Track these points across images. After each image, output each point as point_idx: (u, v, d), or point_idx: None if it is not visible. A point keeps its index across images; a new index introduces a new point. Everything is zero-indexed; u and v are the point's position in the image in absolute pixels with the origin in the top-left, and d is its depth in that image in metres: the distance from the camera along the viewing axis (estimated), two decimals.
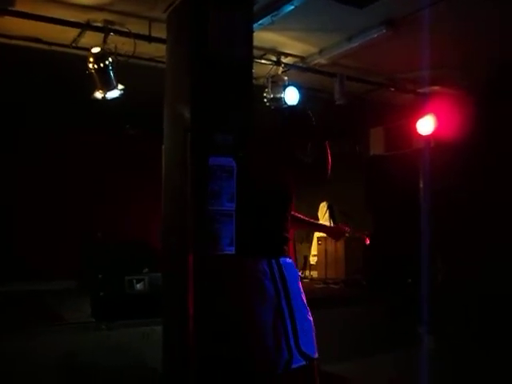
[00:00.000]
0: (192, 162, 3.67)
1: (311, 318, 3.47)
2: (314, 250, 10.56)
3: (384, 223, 8.78)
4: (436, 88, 7.70)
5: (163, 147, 4.36)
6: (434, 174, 7.59)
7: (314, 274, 10.30)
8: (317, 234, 10.55)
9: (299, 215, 3.94)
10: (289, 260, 3.56)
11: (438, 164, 7.53)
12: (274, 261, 3.48)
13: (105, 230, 8.85)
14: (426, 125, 7.67)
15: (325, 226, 4.09)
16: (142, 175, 8.90)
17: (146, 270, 6.81)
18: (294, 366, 3.29)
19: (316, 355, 3.40)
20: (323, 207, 10.54)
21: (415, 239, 7.36)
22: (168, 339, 4.19)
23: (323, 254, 9.47)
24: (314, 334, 3.44)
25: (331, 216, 10.18)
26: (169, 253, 4.16)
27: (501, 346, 5.82)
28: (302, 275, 10.16)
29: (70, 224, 8.73)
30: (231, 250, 3.63)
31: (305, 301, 3.50)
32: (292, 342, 3.33)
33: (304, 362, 3.32)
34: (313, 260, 10.53)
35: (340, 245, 8.93)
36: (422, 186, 8.10)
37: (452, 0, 5.04)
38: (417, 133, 7.84)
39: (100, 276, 6.01)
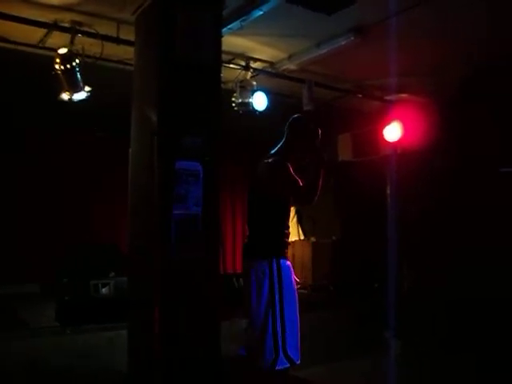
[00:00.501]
0: (159, 166, 3.67)
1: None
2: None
3: (351, 229, 8.87)
4: (403, 95, 7.79)
5: (130, 150, 4.34)
6: (401, 180, 7.68)
7: None
8: None
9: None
10: (288, 263, 3.62)
11: (404, 170, 7.62)
12: (274, 262, 3.53)
13: (72, 235, 8.74)
14: (392, 131, 7.76)
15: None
16: (110, 178, 8.81)
17: (112, 274, 6.76)
18: (279, 367, 3.38)
19: (299, 362, 3.48)
20: (291, 212, 10.58)
21: (382, 245, 7.45)
22: (133, 343, 4.16)
23: (291, 257, 9.47)
24: (299, 338, 3.52)
25: (299, 221, 10.24)
26: (135, 256, 4.14)
27: (467, 351, 5.90)
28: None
29: (37, 227, 8.57)
30: (197, 254, 3.64)
31: (297, 304, 3.57)
32: (280, 344, 3.40)
33: (288, 365, 3.41)
34: None
35: (307, 250, 8.98)
36: (389, 192, 8.19)
37: (419, 9, 5.10)
38: (384, 139, 7.92)
39: (65, 280, 5.94)
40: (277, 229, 3.70)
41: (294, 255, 9.41)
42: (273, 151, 3.78)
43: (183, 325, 3.63)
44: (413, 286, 7.57)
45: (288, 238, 3.74)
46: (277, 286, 3.49)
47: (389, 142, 7.88)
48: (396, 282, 7.09)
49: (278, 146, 3.81)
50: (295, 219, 10.38)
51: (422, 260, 7.52)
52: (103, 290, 6.02)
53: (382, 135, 7.90)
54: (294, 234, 10.46)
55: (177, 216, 3.58)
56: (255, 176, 3.75)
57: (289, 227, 3.76)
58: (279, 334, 3.42)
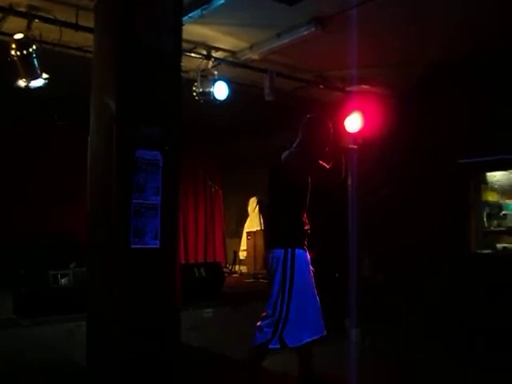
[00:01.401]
0: (117, 155, 3.62)
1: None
2: (243, 245, 10.62)
3: (312, 219, 8.92)
4: (364, 86, 7.87)
5: (89, 138, 4.28)
6: (362, 171, 7.76)
7: (244, 268, 10.37)
8: (246, 229, 10.62)
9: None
10: (304, 252, 4.03)
11: (365, 161, 7.70)
12: (289, 251, 3.95)
13: (31, 224, 8.59)
14: (353, 123, 7.82)
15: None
16: (69, 167, 8.67)
17: (73, 264, 6.67)
18: (271, 346, 3.92)
19: (291, 345, 3.94)
20: (253, 202, 10.61)
21: (343, 235, 7.53)
22: (92, 334, 4.12)
23: (252, 248, 9.54)
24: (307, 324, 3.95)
25: (261, 211, 10.26)
26: (94, 247, 4.09)
27: (425, 338, 6.03)
28: (232, 270, 10.20)
29: None
30: (156, 244, 3.61)
31: (311, 291, 4.01)
32: (279, 329, 3.88)
33: (278, 347, 3.91)
34: (242, 255, 10.59)
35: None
36: (349, 182, 8.27)
37: (380, 1, 5.15)
38: (345, 130, 7.98)
39: (22, 271, 5.82)
40: (293, 219, 4.13)
41: (254, 245, 9.45)
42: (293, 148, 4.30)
43: (143, 315, 3.61)
44: (373, 275, 7.68)
45: (306, 229, 4.13)
46: (289, 274, 3.91)
47: (349, 133, 7.94)
48: (357, 271, 7.18)
49: (295, 143, 4.33)
50: (257, 209, 10.41)
51: (381, 249, 7.63)
52: (62, 280, 5.93)
53: (343, 126, 7.95)
54: (256, 224, 10.49)
55: (135, 205, 3.55)
56: (279, 168, 4.25)
57: (305, 219, 4.16)
58: (282, 320, 3.88)
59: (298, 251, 4.01)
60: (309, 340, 3.95)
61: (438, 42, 6.16)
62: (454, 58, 6.54)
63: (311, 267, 4.08)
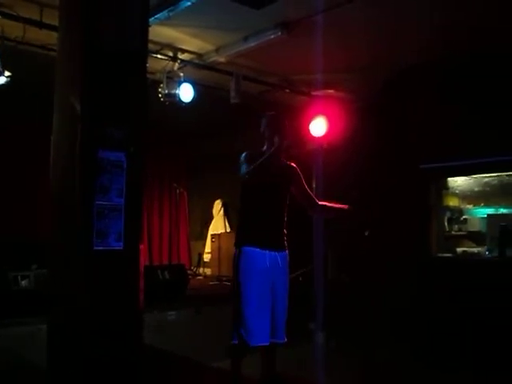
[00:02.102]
0: (81, 155, 3.58)
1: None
2: (207, 247, 10.61)
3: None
4: (329, 91, 7.95)
5: (52, 138, 4.22)
6: (327, 174, 7.83)
7: (208, 271, 10.36)
8: (210, 231, 10.61)
9: (324, 203, 4.38)
10: (253, 249, 3.95)
11: (330, 165, 7.77)
12: (237, 250, 3.99)
13: None
14: (318, 127, 7.88)
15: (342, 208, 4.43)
16: (30, 167, 8.53)
17: (34, 266, 6.57)
18: (233, 342, 3.88)
19: (255, 344, 3.85)
20: (218, 204, 10.62)
21: (308, 237, 7.57)
22: (53, 337, 4.06)
23: (217, 251, 9.54)
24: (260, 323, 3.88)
25: (225, 213, 10.28)
26: (56, 248, 4.03)
27: (389, 341, 6.10)
28: (196, 272, 10.17)
29: None
30: (119, 246, 3.59)
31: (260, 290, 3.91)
32: (234, 323, 3.89)
33: (236, 342, 3.87)
34: (206, 257, 10.58)
35: (232, 242, 9.00)
36: (314, 186, 8.33)
37: (345, 7, 5.21)
38: (310, 134, 8.05)
39: None
40: (244, 218, 4.14)
41: (219, 248, 9.45)
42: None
43: (106, 317, 3.57)
44: (337, 278, 7.75)
45: (260, 226, 4.02)
46: (236, 271, 3.93)
47: (315, 137, 8.01)
48: (321, 273, 7.23)
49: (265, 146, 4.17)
50: (222, 211, 10.42)
51: (346, 253, 7.71)
52: (23, 282, 5.84)
53: (308, 130, 8.02)
54: (221, 226, 10.50)
55: (99, 207, 3.52)
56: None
57: (263, 218, 4.04)
58: (236, 315, 3.87)
59: (244, 249, 3.99)
60: (255, 345, 3.88)
61: (404, 47, 6.27)
62: (418, 63, 6.66)
63: (274, 265, 4.00)
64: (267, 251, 3.98)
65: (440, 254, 6.91)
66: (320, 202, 4.35)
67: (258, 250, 3.96)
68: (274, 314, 3.95)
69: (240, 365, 4.05)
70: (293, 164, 4.31)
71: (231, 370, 4.06)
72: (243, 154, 4.17)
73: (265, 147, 4.17)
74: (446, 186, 7.32)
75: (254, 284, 3.90)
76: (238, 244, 4.03)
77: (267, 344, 3.88)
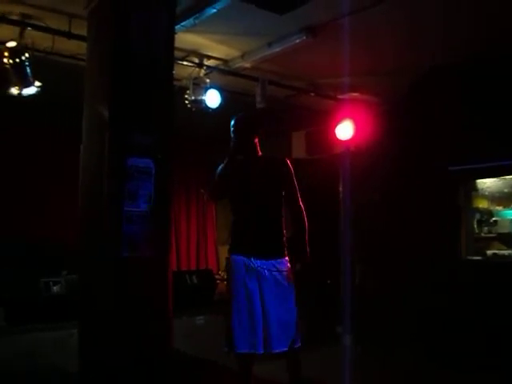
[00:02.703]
0: (109, 162, 3.64)
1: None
2: None
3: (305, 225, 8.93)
4: (355, 94, 7.91)
5: (81, 146, 4.29)
6: (354, 177, 7.80)
7: None
8: None
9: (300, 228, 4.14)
10: (238, 257, 3.88)
11: (357, 168, 7.74)
12: (228, 258, 3.91)
13: (20, 231, 8.55)
14: (344, 130, 7.86)
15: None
16: (60, 175, 8.66)
17: (64, 272, 6.66)
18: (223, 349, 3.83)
19: (241, 351, 3.78)
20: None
21: (335, 242, 7.55)
22: (84, 342, 4.11)
23: None
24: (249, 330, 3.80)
25: None
26: (86, 254, 4.09)
27: (417, 345, 6.05)
28: (224, 277, 10.17)
29: None
30: (147, 252, 3.62)
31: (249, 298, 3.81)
32: (227, 329, 3.82)
33: (226, 349, 3.83)
34: None
35: None
36: (341, 189, 8.31)
37: (371, 10, 5.19)
38: (336, 138, 8.03)
39: (14, 279, 5.82)
40: (232, 224, 3.99)
41: None
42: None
43: (134, 323, 3.61)
44: (364, 281, 7.70)
45: (245, 232, 3.90)
46: (227, 280, 3.91)
47: (341, 141, 7.99)
48: (348, 277, 7.20)
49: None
50: None
51: (374, 256, 7.66)
52: (54, 288, 5.92)
53: (335, 133, 8.00)
54: None
55: (127, 213, 3.56)
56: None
57: (247, 223, 3.90)
58: (228, 321, 3.81)
59: (231, 257, 3.91)
60: (240, 352, 3.80)
61: (430, 49, 6.20)
62: (445, 65, 6.59)
63: (260, 273, 3.85)
64: (252, 259, 3.84)
65: (470, 257, 6.83)
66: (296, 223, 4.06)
67: (241, 257, 3.86)
68: (265, 325, 3.82)
69: (249, 373, 3.94)
70: (286, 160, 4.14)
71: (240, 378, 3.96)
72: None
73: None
74: (474, 188, 7.24)
75: (237, 292, 3.83)
76: (228, 251, 3.97)
77: (258, 352, 3.78)
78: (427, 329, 6.31)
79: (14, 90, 5.53)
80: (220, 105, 6.81)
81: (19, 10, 5.21)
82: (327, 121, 8.18)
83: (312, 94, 7.77)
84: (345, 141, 7.97)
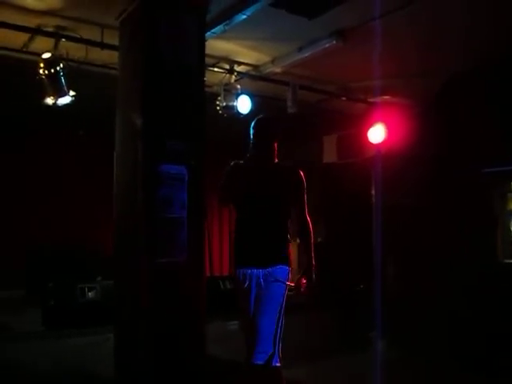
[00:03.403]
0: (143, 169, 3.68)
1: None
2: None
3: (337, 230, 8.91)
4: (387, 97, 7.86)
5: (115, 153, 4.34)
6: (386, 181, 7.74)
7: None
8: None
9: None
10: (241, 271, 3.70)
11: (389, 171, 7.68)
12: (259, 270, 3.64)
13: (56, 237, 8.71)
14: (376, 134, 7.82)
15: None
16: (95, 182, 8.79)
17: (99, 278, 6.73)
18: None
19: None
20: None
21: (367, 245, 7.50)
22: (120, 347, 4.16)
23: None
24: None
25: None
26: (120, 260, 4.14)
27: (453, 351, 5.96)
28: None
29: (18, 232, 8.54)
30: (182, 257, 3.65)
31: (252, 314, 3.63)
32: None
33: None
34: None
35: (293, 251, 8.97)
36: (373, 193, 8.25)
37: (401, 12, 5.16)
38: (369, 141, 7.98)
39: (51, 284, 5.91)
40: (235, 237, 3.82)
41: None
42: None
43: (169, 328, 3.64)
44: (398, 285, 7.63)
45: (244, 241, 3.73)
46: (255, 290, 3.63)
47: (373, 144, 7.95)
48: (381, 282, 7.14)
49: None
50: None
51: (406, 260, 7.58)
52: (90, 293, 6.00)
53: (367, 137, 7.96)
54: None
55: (162, 219, 3.60)
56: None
57: (247, 231, 3.74)
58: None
59: (236, 271, 3.73)
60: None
61: (461, 51, 6.14)
62: (477, 67, 6.51)
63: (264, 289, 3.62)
64: (249, 269, 3.65)
65: (507, 260, 6.71)
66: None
67: (241, 270, 3.70)
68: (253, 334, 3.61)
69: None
70: (298, 169, 3.84)
71: None
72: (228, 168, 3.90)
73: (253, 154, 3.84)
74: (510, 190, 7.12)
75: (247, 309, 3.66)
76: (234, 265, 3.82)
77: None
78: (461, 333, 6.21)
79: (49, 100, 5.64)
80: (251, 110, 6.83)
81: (54, 22, 5.32)
82: (359, 124, 8.15)
83: (343, 98, 7.74)
84: (376, 144, 7.92)
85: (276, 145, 3.84)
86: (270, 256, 3.67)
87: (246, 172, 3.79)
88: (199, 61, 4.14)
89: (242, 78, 6.86)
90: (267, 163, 3.80)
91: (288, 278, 3.72)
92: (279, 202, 3.74)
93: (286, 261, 3.75)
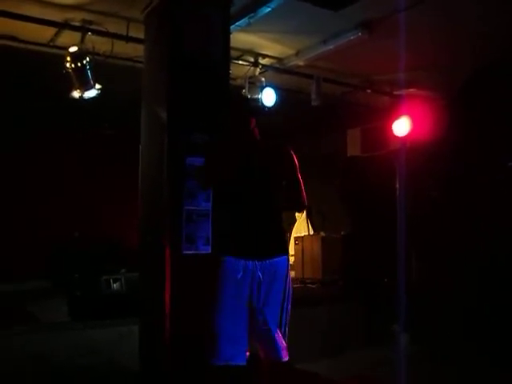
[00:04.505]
0: (169, 162, 3.71)
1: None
2: (291, 250, 10.61)
3: (360, 223, 8.87)
4: (412, 90, 7.79)
5: (140, 146, 4.38)
6: (410, 174, 7.68)
7: (292, 273, 10.34)
8: (294, 234, 10.61)
9: None
10: (232, 259, 3.27)
11: (413, 165, 7.62)
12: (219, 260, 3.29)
13: (81, 229, 8.82)
14: (401, 126, 7.75)
15: None
16: (119, 174, 8.88)
17: (123, 270, 6.80)
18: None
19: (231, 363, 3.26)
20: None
21: (392, 239, 7.45)
22: (145, 339, 4.20)
23: (300, 253, 9.51)
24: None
25: (308, 216, 10.26)
26: (145, 252, 4.18)
27: (475, 345, 5.92)
28: None
29: (44, 224, 8.67)
30: (207, 250, 3.67)
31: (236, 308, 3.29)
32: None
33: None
34: (290, 260, 10.58)
35: (317, 245, 8.99)
36: (397, 186, 8.19)
37: (427, 4, 5.11)
38: (393, 134, 7.93)
39: (76, 276, 5.99)
40: (228, 221, 3.34)
41: (303, 250, 9.42)
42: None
43: (194, 321, 3.66)
44: (421, 279, 7.58)
45: (247, 231, 3.28)
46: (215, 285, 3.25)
47: (398, 137, 7.89)
48: (405, 275, 7.10)
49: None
50: (304, 214, 10.40)
51: (430, 253, 7.53)
52: (114, 285, 6.06)
53: (391, 130, 7.90)
54: (304, 229, 10.48)
55: (188, 211, 3.62)
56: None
57: (248, 219, 3.30)
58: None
59: (225, 259, 3.25)
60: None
61: (486, 43, 6.06)
62: (503, 58, 6.42)
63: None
64: (250, 260, 3.24)
65: None
66: None
67: (236, 259, 3.23)
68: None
69: None
70: (287, 146, 3.51)
71: None
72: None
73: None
74: None
75: (230, 303, 3.25)
76: (219, 251, 3.36)
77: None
78: (485, 328, 6.16)
79: (76, 94, 5.70)
80: (275, 103, 6.82)
81: (80, 16, 5.37)
82: (383, 117, 8.08)
83: (368, 91, 7.69)
84: (401, 137, 7.86)
85: (255, 121, 3.49)
86: (267, 245, 3.32)
87: (235, 147, 3.37)
88: (224, 54, 4.16)
89: (266, 71, 6.85)
90: (255, 137, 3.48)
91: (288, 267, 3.49)
92: (275, 177, 3.39)
93: (285, 250, 3.48)
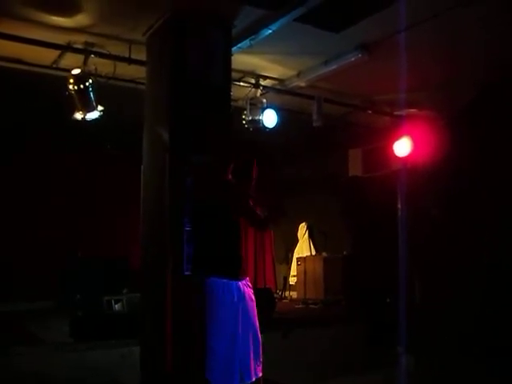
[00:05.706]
0: (170, 182, 3.72)
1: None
2: (293, 270, 10.59)
3: (363, 243, 8.87)
4: (412, 110, 7.82)
5: (142, 167, 4.40)
6: (411, 194, 7.69)
7: (294, 294, 10.31)
8: (296, 255, 10.60)
9: None
10: (219, 281, 3.46)
11: (415, 185, 7.63)
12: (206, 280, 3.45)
13: (84, 249, 8.80)
14: (402, 147, 7.78)
15: None
16: (121, 195, 8.89)
17: (125, 290, 6.79)
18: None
19: None
20: (302, 227, 10.61)
21: (393, 259, 7.44)
22: (145, 360, 4.19)
23: (302, 274, 9.50)
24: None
25: (310, 236, 10.26)
26: (146, 273, 4.18)
27: (478, 363, 5.88)
28: (282, 296, 10.17)
29: (48, 244, 8.66)
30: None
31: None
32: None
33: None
34: (292, 280, 10.54)
35: (319, 265, 8.97)
36: (399, 206, 8.19)
37: (426, 25, 5.16)
38: (394, 154, 7.95)
39: (78, 296, 5.98)
40: (211, 242, 3.55)
41: (305, 270, 9.41)
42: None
43: (195, 340, 3.65)
44: (424, 300, 7.55)
45: (232, 253, 3.65)
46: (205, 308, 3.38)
47: (399, 157, 7.91)
48: (407, 296, 7.07)
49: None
50: (307, 234, 10.40)
51: (432, 274, 7.50)
52: (116, 306, 6.05)
53: (392, 150, 7.92)
54: (306, 249, 10.47)
55: (188, 233, 3.63)
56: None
57: (234, 243, 3.71)
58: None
59: (210, 280, 3.39)
60: None
61: (486, 63, 6.11)
62: (504, 78, 6.46)
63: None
64: (231, 282, 3.48)
65: None
66: None
67: (226, 281, 3.46)
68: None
69: None
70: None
71: None
72: None
73: None
74: None
75: (222, 326, 3.41)
76: (206, 271, 3.47)
77: None
78: (492, 349, 6.11)
79: (79, 115, 5.73)
80: (277, 124, 6.85)
81: (83, 38, 5.43)
82: (384, 138, 8.11)
83: (369, 111, 7.73)
84: (402, 157, 7.88)
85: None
86: (243, 266, 3.66)
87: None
88: (225, 75, 4.20)
89: (267, 92, 6.89)
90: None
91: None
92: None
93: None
